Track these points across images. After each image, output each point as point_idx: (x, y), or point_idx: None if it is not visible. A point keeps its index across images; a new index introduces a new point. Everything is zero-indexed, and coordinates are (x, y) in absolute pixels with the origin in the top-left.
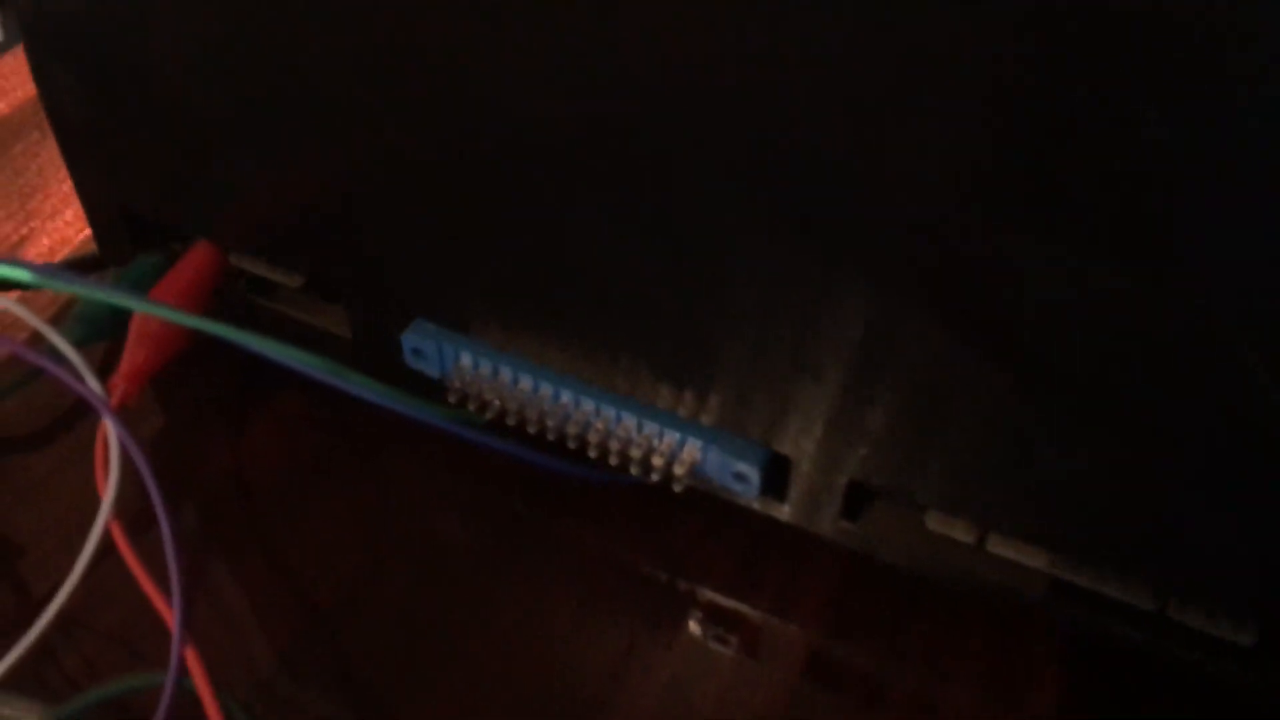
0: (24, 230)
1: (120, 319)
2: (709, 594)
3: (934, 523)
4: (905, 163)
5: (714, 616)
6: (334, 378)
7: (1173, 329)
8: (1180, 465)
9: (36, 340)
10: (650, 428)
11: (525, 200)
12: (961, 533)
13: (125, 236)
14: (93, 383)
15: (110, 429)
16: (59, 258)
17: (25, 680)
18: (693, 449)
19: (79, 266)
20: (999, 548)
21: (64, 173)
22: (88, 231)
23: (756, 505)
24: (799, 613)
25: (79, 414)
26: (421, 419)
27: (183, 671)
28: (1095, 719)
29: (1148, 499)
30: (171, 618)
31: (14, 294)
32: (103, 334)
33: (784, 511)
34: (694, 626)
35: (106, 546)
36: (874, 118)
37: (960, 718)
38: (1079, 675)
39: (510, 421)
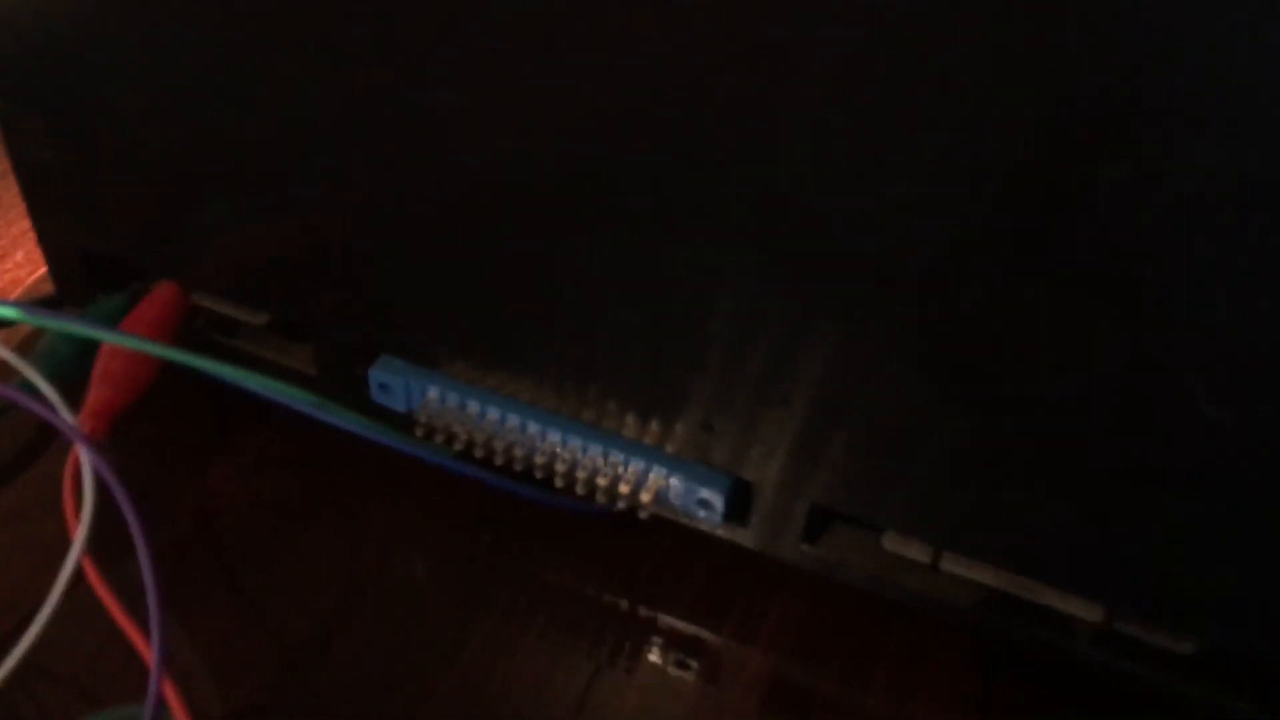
0: None
1: (83, 360)
2: (672, 621)
3: (891, 543)
4: (869, 206)
5: (677, 643)
6: (316, 410)
7: (1119, 360)
8: (1126, 488)
9: (4, 375)
10: (616, 456)
11: (490, 237)
12: (917, 552)
13: (85, 278)
14: (66, 413)
15: (84, 460)
16: (12, 299)
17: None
18: (658, 477)
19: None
20: (953, 566)
21: (13, 215)
22: (39, 272)
23: (720, 531)
24: (762, 638)
25: (32, 456)
26: (403, 449)
27: (160, 706)
28: None
29: (1094, 520)
30: (147, 651)
31: None
32: (65, 373)
33: (747, 537)
34: (657, 654)
35: (69, 587)
36: (841, 162)
37: None
38: (1041, 694)
39: (478, 453)
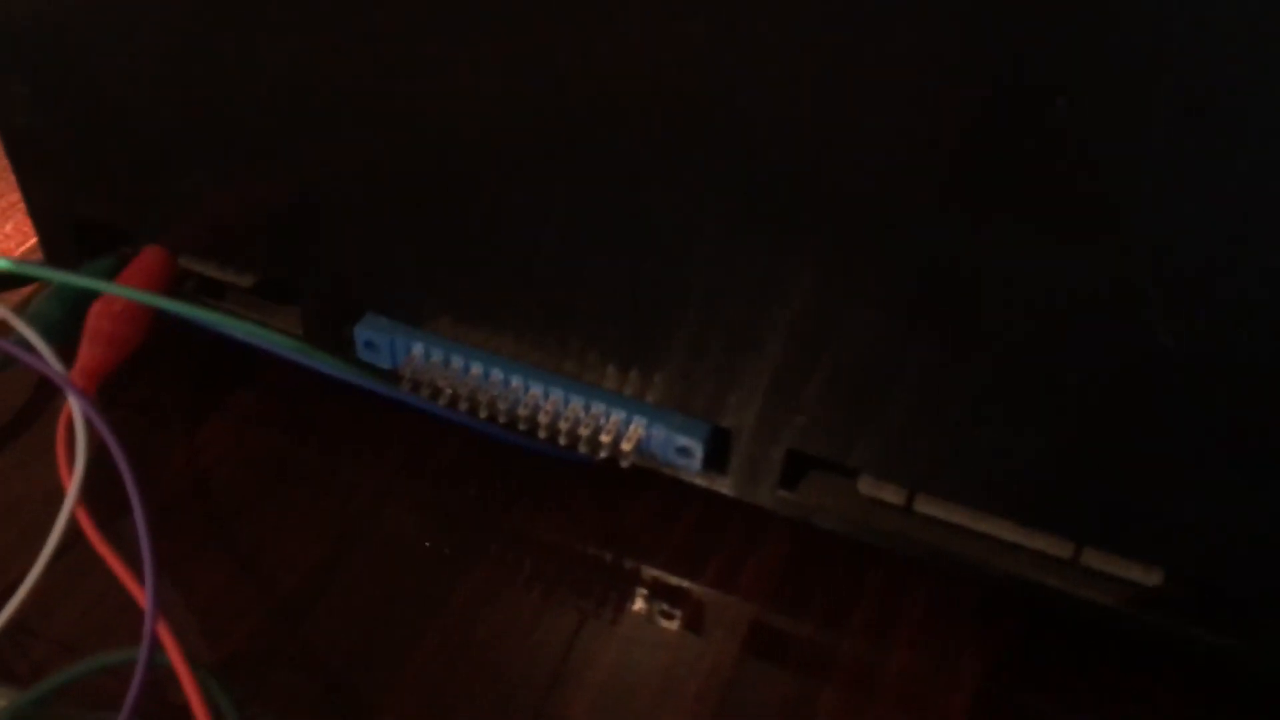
0: None
1: (72, 323)
2: (655, 572)
3: (865, 487)
4: (844, 148)
5: (660, 593)
6: (299, 355)
7: (1082, 291)
8: (1089, 422)
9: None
10: (597, 408)
11: (470, 193)
12: (891, 495)
13: (74, 244)
14: (58, 365)
15: (75, 409)
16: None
17: None
18: (638, 426)
19: (23, 278)
20: (926, 507)
21: (3, 186)
22: (29, 243)
23: (699, 480)
24: (741, 587)
25: (25, 421)
26: (386, 395)
27: (156, 646)
28: (1022, 678)
29: (1061, 455)
30: (142, 594)
31: None
32: (55, 336)
33: (725, 484)
34: (641, 604)
35: (63, 545)
36: (806, 103)
37: (897, 683)
38: (1007, 635)
39: (462, 407)
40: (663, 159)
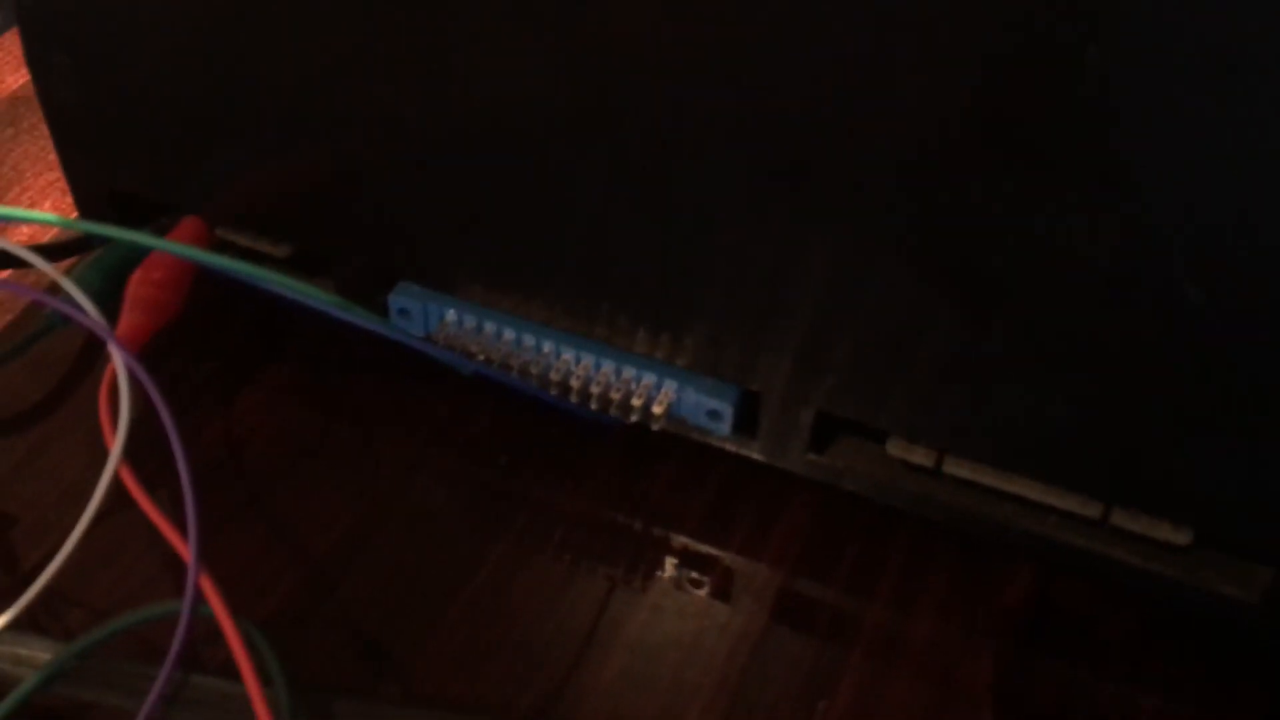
0: (1, 225)
1: (113, 290)
2: (682, 539)
3: (894, 449)
4: (871, 108)
5: (688, 560)
6: (340, 310)
7: (1106, 246)
8: (1117, 380)
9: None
10: (628, 372)
11: (502, 161)
12: (920, 456)
13: (111, 214)
14: (102, 320)
15: (119, 362)
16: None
17: (37, 624)
18: (669, 390)
19: (64, 249)
20: (955, 469)
21: (41, 166)
22: None
23: (729, 444)
24: (769, 552)
25: (66, 388)
26: (423, 350)
27: (199, 598)
28: (1046, 645)
29: (1090, 414)
30: (184, 548)
31: (6, 272)
32: (96, 304)
33: (755, 448)
34: (668, 571)
35: (105, 506)
36: (829, 63)
37: (923, 649)
38: (1033, 601)
39: (492, 369)
40: (690, 123)
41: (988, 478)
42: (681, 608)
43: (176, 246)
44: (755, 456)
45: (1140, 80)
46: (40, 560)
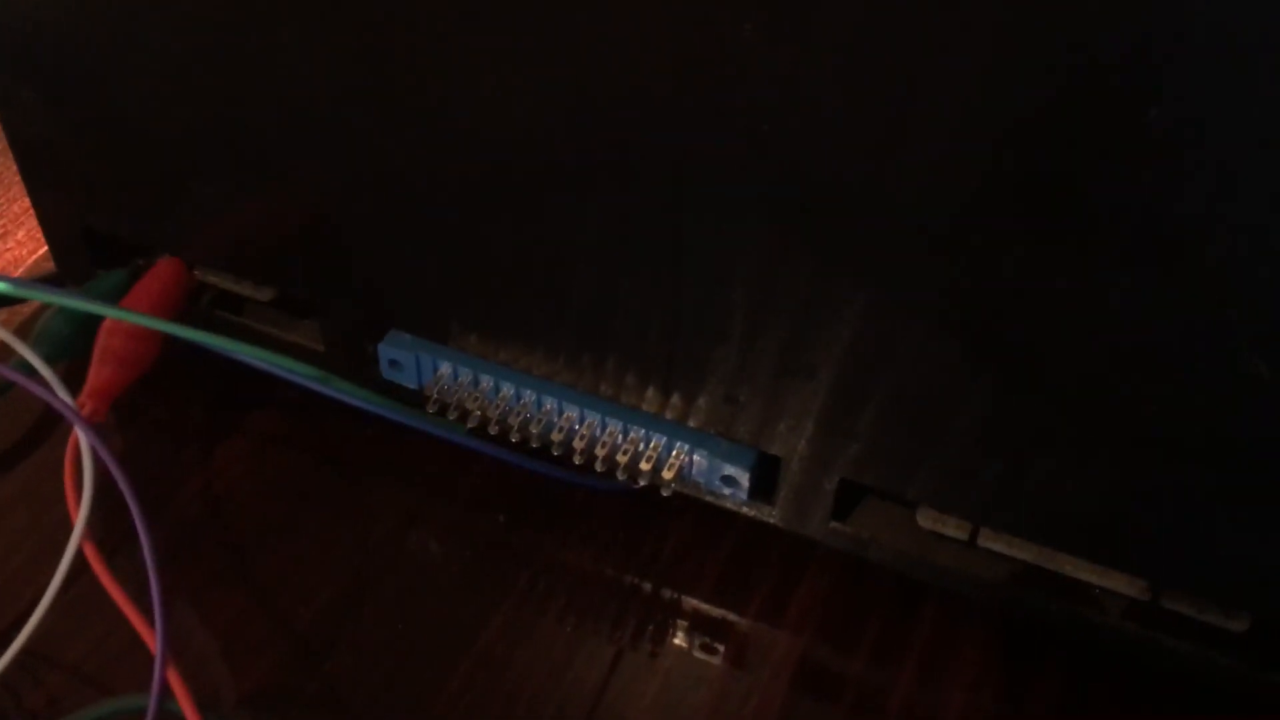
0: None
1: (83, 338)
2: (695, 603)
3: (925, 520)
4: (905, 166)
5: (701, 626)
6: (320, 385)
7: (1159, 321)
8: (1169, 457)
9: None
10: (636, 432)
11: (502, 205)
12: (953, 529)
13: (85, 254)
14: (64, 394)
15: (83, 441)
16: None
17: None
18: (680, 453)
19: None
20: (991, 542)
21: (13, 193)
22: (41, 250)
23: (745, 509)
24: (788, 619)
25: (34, 442)
26: (408, 424)
27: (166, 694)
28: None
29: (1142, 491)
30: (151, 637)
31: None
32: (65, 353)
33: (773, 514)
34: (681, 637)
35: (72, 573)
36: (863, 120)
37: None
38: (1075, 675)
39: (493, 430)
40: (707, 170)
41: (1026, 553)
42: (697, 677)
43: (135, 316)
44: (774, 522)
45: (1206, 142)
46: (6, 628)
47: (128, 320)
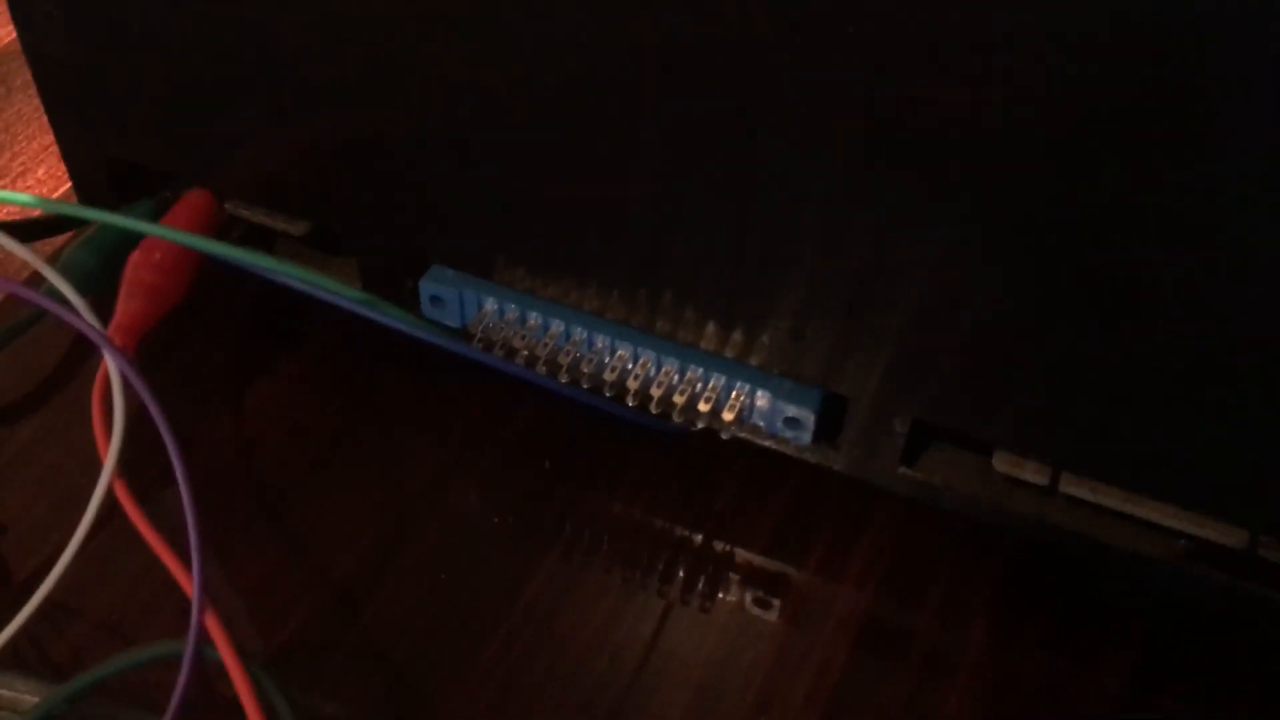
0: None
1: (108, 274)
2: (751, 555)
3: (1002, 464)
4: (981, 82)
5: (758, 579)
6: (365, 308)
7: (1268, 248)
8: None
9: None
10: (694, 371)
11: (554, 123)
12: (1032, 474)
13: (110, 187)
14: (94, 321)
15: (113, 372)
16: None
17: (23, 660)
18: (741, 393)
19: (51, 226)
20: (1073, 488)
21: (34, 128)
22: (63, 188)
23: (807, 455)
24: (850, 573)
25: (56, 382)
26: (460, 352)
27: (204, 638)
28: (1178, 681)
29: (1242, 433)
30: (187, 581)
31: None
32: (89, 288)
33: (838, 459)
34: (736, 592)
35: (103, 513)
36: (948, 32)
37: (1031, 688)
38: (1161, 631)
39: (540, 371)
40: (781, 78)
41: (1111, 499)
42: (754, 635)
43: (173, 233)
44: (837, 468)
45: None
46: (31, 575)
47: (170, 239)
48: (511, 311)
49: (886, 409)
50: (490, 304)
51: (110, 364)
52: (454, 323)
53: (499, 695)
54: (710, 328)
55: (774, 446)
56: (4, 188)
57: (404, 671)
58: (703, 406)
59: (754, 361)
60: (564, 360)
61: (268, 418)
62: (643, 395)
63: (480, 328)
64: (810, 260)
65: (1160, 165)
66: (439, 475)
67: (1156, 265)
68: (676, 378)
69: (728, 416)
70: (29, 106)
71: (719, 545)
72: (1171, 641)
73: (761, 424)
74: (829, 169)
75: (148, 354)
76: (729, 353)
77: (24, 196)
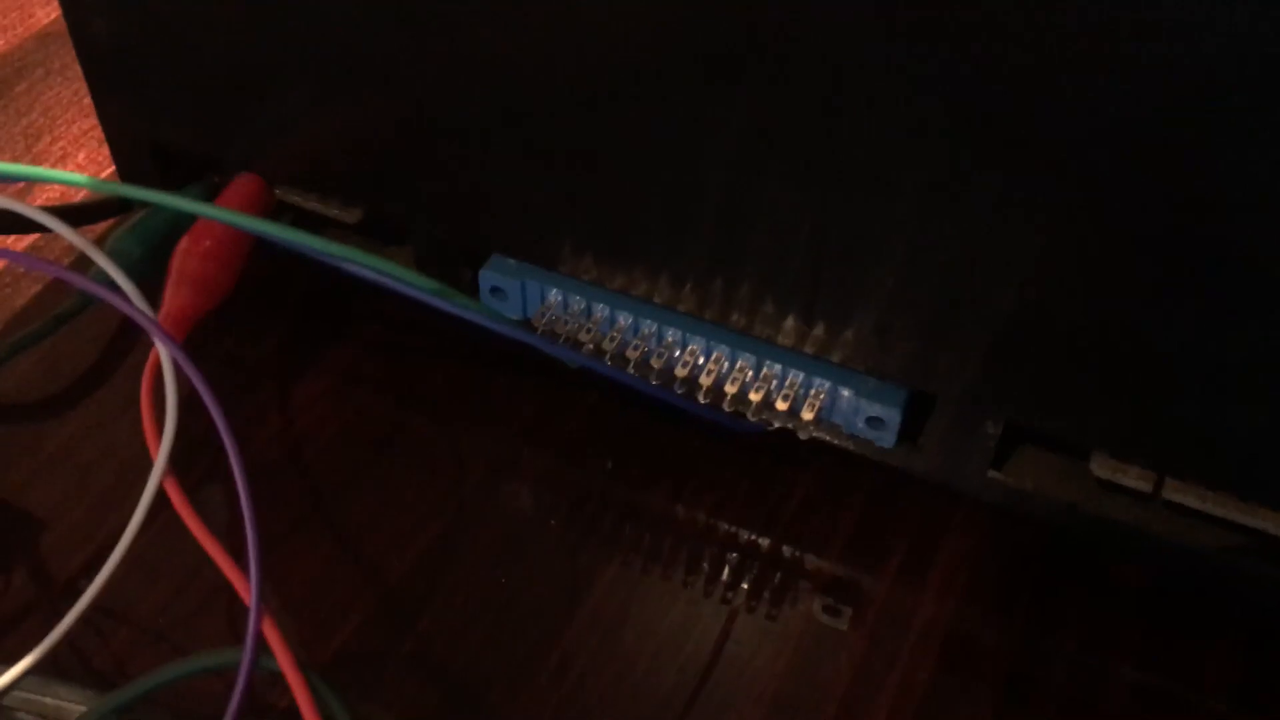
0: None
1: (152, 262)
2: (825, 564)
3: (1101, 468)
4: (1086, 67)
5: (833, 588)
6: (436, 299)
7: None
8: None
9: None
10: (770, 368)
11: (625, 102)
12: (1134, 479)
13: (155, 172)
14: (144, 306)
15: (165, 361)
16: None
17: (68, 667)
18: (820, 390)
19: (97, 211)
20: (1179, 495)
21: (73, 113)
22: (105, 173)
23: (888, 458)
24: (931, 583)
25: (100, 374)
26: (533, 344)
27: (260, 648)
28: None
29: None
30: (240, 583)
31: (32, 236)
32: (133, 276)
33: (921, 462)
34: (811, 602)
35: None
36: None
37: (1130, 707)
38: (1270, 651)
39: (606, 364)
40: (870, 53)
41: (1220, 507)
42: (832, 645)
43: (227, 214)
44: (920, 472)
45: None
46: (75, 574)
47: (231, 223)
48: (577, 303)
49: (977, 409)
50: (554, 295)
51: (162, 353)
52: (515, 314)
53: (562, 706)
54: (789, 322)
55: (853, 448)
56: None
57: (462, 683)
58: (780, 405)
59: (835, 358)
60: (632, 355)
61: (317, 413)
62: (715, 393)
63: (544, 320)
64: (899, 252)
65: (1244, 162)
66: (495, 474)
67: (1273, 257)
68: (752, 374)
69: (807, 415)
70: (68, 90)
71: (791, 551)
72: (1273, 664)
73: (840, 424)
74: (919, 154)
75: (193, 347)
76: (808, 349)
77: (77, 176)
